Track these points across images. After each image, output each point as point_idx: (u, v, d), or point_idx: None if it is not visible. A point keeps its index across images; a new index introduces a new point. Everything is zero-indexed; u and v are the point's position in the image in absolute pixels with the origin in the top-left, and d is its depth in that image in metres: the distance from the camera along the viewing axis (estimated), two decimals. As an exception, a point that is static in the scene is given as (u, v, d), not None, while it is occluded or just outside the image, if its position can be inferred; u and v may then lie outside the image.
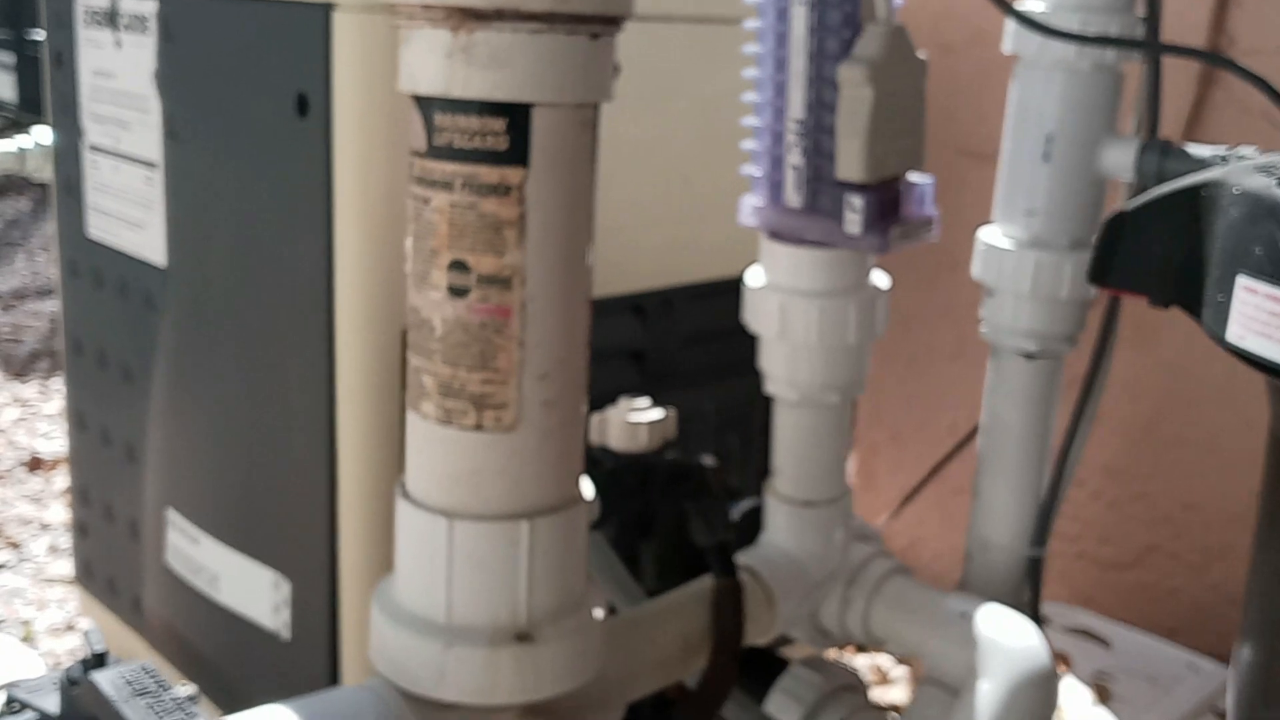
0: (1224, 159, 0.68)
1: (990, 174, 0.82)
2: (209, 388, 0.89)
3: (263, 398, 0.84)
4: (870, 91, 0.63)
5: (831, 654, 1.05)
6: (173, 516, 0.94)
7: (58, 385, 2.05)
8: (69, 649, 1.31)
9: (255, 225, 0.82)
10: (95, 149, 0.99)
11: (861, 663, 1.22)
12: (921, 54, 0.67)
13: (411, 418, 0.56)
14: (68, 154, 1.03)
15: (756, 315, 0.73)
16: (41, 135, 1.13)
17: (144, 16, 0.90)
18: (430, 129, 0.52)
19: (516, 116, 0.51)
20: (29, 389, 2.08)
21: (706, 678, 0.70)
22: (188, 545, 0.93)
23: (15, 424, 1.93)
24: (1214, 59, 0.99)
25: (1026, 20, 0.72)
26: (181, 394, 0.93)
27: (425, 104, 0.52)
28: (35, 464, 1.76)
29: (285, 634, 0.84)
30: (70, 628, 1.35)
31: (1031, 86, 0.77)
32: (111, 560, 1.07)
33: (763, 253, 0.73)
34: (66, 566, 1.44)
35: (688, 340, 0.93)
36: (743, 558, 0.74)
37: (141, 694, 0.51)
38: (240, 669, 0.90)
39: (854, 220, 0.66)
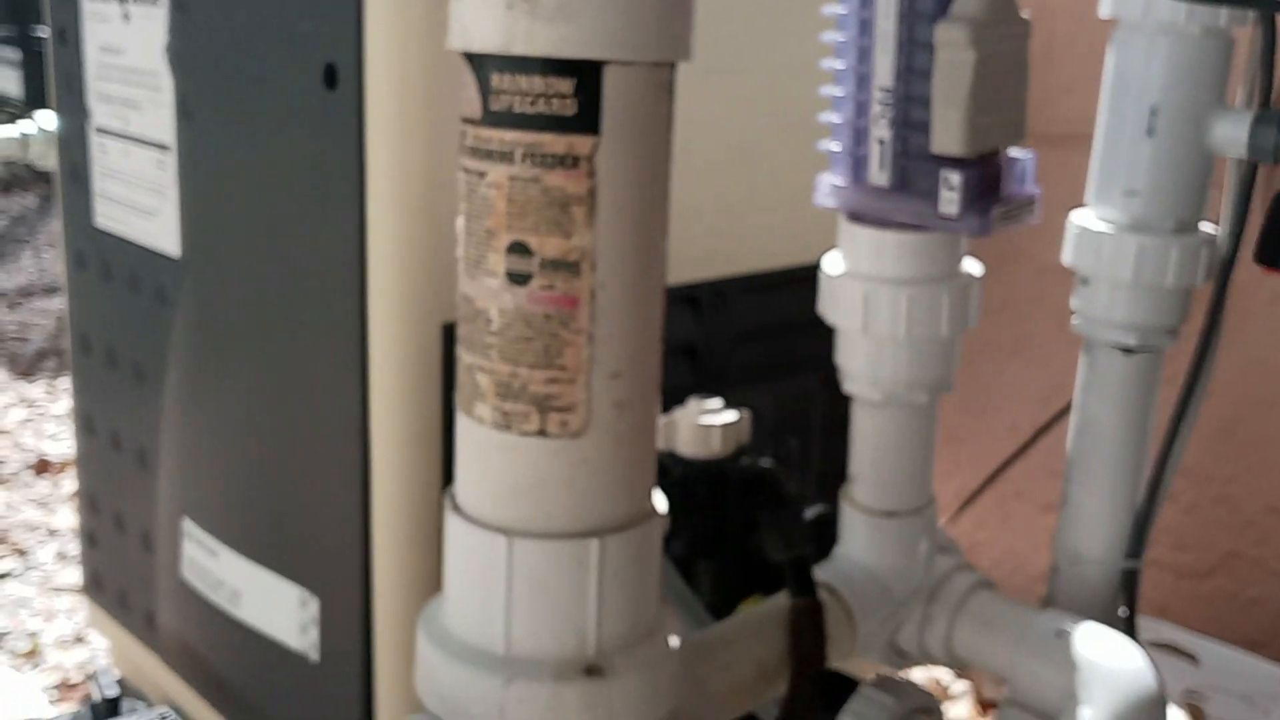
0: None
1: (1054, 157, 0.77)
2: (227, 388, 0.84)
3: (287, 399, 0.79)
4: (972, 55, 0.57)
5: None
6: (189, 527, 0.89)
7: (65, 385, 2.03)
8: (78, 662, 1.27)
9: (278, 209, 0.77)
10: (103, 131, 0.94)
11: (917, 676, 1.18)
12: (1025, 13, 0.61)
13: (463, 422, 0.50)
14: (73, 138, 0.98)
15: (836, 306, 0.67)
16: (45, 120, 1.07)
17: (155, -14, 0.85)
18: (486, 92, 0.46)
19: (586, 76, 0.45)
20: (36, 389, 2.07)
21: (786, 708, 0.64)
22: (205, 558, 0.87)
23: (22, 425, 1.91)
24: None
25: (1132, -22, 0.66)
26: (197, 395, 0.88)
27: (480, 63, 0.46)
28: (43, 467, 1.74)
29: (313, 655, 0.79)
30: (79, 640, 1.31)
31: (1133, 54, 0.71)
32: (123, 572, 1.02)
33: (842, 237, 0.67)
34: (75, 575, 1.40)
35: (743, 335, 0.87)
36: (820, 573, 0.69)
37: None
38: (264, 692, 0.85)
39: (951, 199, 0.60)
